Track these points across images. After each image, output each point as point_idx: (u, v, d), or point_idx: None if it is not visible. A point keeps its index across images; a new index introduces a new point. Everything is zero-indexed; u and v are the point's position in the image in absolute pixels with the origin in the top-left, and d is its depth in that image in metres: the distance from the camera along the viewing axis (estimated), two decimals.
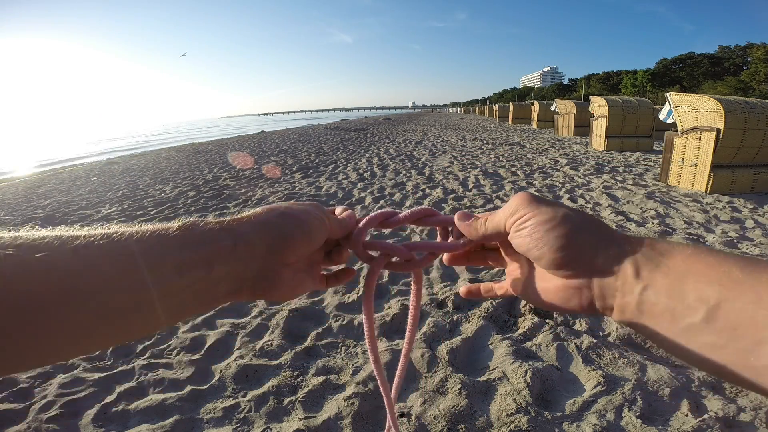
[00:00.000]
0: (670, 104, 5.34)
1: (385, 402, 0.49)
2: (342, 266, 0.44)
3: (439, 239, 0.43)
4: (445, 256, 0.41)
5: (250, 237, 0.32)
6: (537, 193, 0.33)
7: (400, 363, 0.48)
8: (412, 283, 0.44)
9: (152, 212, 4.85)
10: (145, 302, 0.26)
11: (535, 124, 17.06)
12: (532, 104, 18.71)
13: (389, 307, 2.25)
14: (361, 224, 0.40)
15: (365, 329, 0.43)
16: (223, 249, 0.30)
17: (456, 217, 0.40)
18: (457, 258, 0.42)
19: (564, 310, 0.33)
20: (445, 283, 2.53)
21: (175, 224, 0.30)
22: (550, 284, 0.34)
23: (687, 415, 1.44)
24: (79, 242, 0.25)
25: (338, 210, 0.43)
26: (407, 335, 0.46)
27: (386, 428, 0.51)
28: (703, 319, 0.24)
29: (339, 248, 0.42)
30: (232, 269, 0.31)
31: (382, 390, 0.48)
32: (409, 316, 0.45)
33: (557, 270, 0.32)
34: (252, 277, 0.33)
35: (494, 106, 32.60)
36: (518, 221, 0.33)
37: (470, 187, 5.25)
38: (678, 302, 0.26)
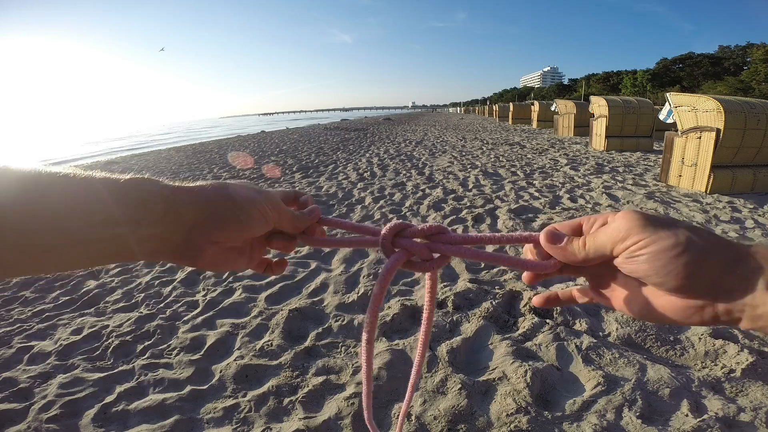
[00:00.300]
0: (670, 104, 5.34)
1: (364, 401, 0.48)
2: (283, 254, 0.44)
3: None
4: (528, 275, 0.39)
5: (182, 208, 0.33)
6: (646, 212, 0.32)
7: (414, 368, 0.47)
8: (427, 282, 0.43)
9: None
10: (66, 245, 0.28)
11: (535, 124, 17.06)
12: (532, 104, 18.70)
13: (389, 307, 2.25)
14: (389, 226, 0.41)
15: (366, 321, 0.40)
16: (153, 213, 0.32)
17: (543, 237, 0.36)
18: (538, 276, 0.39)
19: (680, 324, 0.33)
20: (445, 283, 2.53)
21: (126, 176, 0.32)
22: (665, 302, 0.32)
23: (687, 415, 1.44)
24: (31, 181, 0.28)
25: (303, 198, 0.44)
26: (421, 337, 0.44)
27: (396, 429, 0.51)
28: None
29: (290, 238, 0.43)
30: (157, 233, 0.32)
31: (364, 384, 0.47)
32: (423, 319, 0.43)
33: (678, 293, 0.31)
34: (175, 243, 0.34)
35: (494, 106, 32.60)
36: (633, 247, 0.31)
37: (470, 187, 5.25)
38: None
